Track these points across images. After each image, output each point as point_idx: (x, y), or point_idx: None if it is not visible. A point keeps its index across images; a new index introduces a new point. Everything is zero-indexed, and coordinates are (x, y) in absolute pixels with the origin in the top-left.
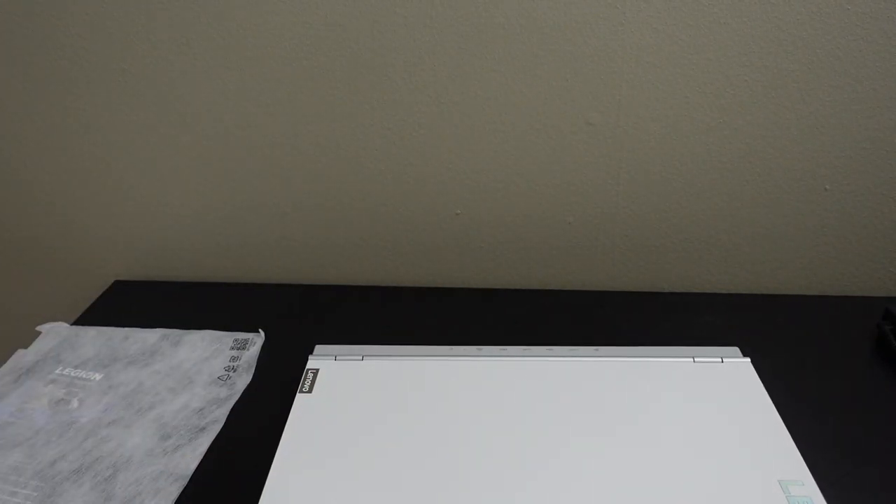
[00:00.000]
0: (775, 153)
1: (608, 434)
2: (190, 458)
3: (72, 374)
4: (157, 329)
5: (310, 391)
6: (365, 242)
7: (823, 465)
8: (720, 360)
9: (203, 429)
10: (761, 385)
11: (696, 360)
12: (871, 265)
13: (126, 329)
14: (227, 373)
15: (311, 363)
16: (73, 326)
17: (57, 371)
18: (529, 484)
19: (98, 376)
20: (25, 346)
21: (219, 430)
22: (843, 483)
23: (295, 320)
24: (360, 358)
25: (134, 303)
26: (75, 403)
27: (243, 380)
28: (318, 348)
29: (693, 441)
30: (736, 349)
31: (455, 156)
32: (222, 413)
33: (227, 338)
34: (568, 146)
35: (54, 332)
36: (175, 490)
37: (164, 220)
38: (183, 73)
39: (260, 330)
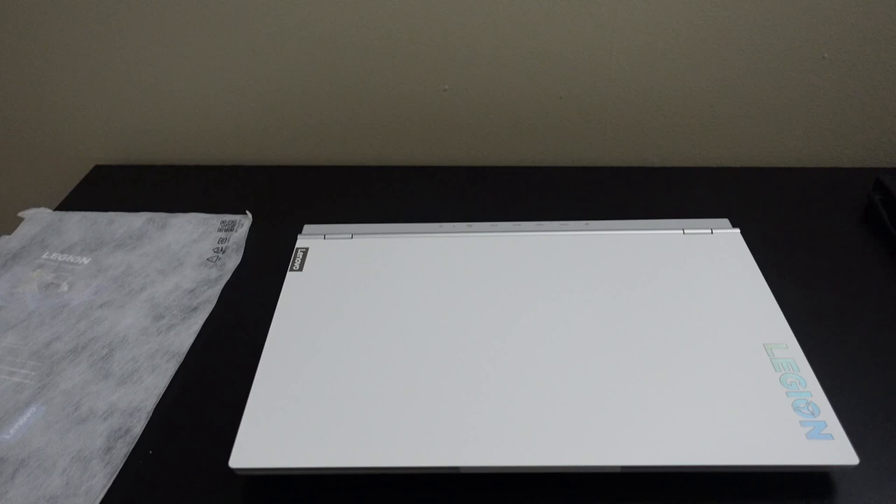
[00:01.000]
0: (772, 21)
1: (599, 303)
2: (184, 337)
3: (59, 258)
4: (143, 213)
5: (300, 269)
6: (351, 122)
7: (809, 330)
8: (710, 231)
9: (195, 308)
10: (750, 254)
11: (686, 231)
12: (864, 135)
13: (111, 213)
14: (216, 254)
15: (301, 242)
16: (56, 212)
17: (44, 256)
18: (519, 351)
19: (86, 260)
20: (8, 233)
21: (211, 309)
22: (827, 346)
23: (282, 202)
24: (350, 236)
25: (116, 187)
26: (65, 287)
27: (233, 261)
28: (307, 228)
29: (682, 307)
30: (726, 220)
31: (443, 29)
32: (214, 293)
33: (214, 220)
34: (559, 17)
35: (37, 218)
36: (172, 367)
37: (143, 102)
38: None
39: (247, 212)
